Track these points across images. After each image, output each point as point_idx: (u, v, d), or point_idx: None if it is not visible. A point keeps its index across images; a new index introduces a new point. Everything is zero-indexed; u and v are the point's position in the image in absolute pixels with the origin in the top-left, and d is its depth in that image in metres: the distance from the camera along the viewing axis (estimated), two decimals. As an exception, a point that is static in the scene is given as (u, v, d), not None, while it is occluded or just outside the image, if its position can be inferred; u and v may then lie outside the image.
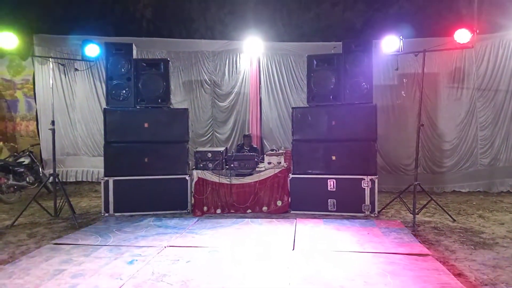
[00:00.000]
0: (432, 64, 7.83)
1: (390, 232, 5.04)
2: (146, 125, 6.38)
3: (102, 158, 6.49)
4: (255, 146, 7.98)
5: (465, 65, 7.97)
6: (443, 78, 8.05)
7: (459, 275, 3.63)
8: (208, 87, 8.74)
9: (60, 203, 6.14)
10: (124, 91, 6.37)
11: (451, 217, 5.75)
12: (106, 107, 6.47)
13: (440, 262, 3.94)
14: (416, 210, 5.65)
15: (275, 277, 3.63)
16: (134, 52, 6.56)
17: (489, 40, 7.84)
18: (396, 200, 6.27)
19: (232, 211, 6.30)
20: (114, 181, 6.24)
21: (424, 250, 4.31)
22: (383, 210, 6.27)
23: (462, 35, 5.53)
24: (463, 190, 7.97)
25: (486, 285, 3.41)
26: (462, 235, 4.97)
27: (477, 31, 5.62)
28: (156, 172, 6.31)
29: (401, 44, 5.84)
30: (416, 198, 5.67)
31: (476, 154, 8.03)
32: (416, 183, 5.76)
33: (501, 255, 4.18)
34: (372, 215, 6.00)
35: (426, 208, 6.09)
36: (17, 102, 9.59)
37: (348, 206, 6.08)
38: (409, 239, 4.72)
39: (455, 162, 8.08)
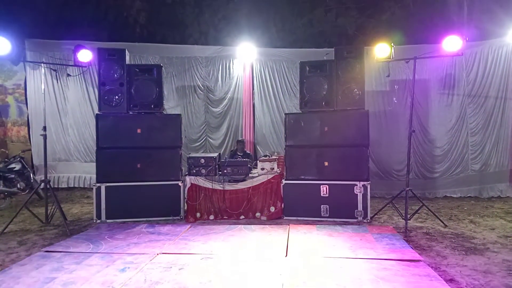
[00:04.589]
0: (423, 70, 7.91)
1: (383, 238, 5.07)
2: (138, 130, 6.36)
3: (94, 164, 6.45)
4: (248, 152, 7.99)
5: (456, 72, 8.06)
6: (434, 85, 8.13)
7: (450, 280, 3.66)
8: (201, 92, 8.73)
9: (52, 210, 6.09)
10: (116, 97, 6.36)
11: (443, 223, 5.80)
12: (98, 112, 6.44)
13: (432, 267, 3.98)
14: (408, 216, 5.70)
15: (268, 283, 3.63)
16: (127, 57, 6.55)
17: (478, 47, 7.95)
18: (388, 205, 6.33)
19: (225, 217, 6.29)
20: (106, 187, 6.20)
21: (416, 256, 4.34)
22: (376, 216, 6.31)
23: (452, 43, 5.61)
24: (455, 196, 8.04)
25: (477, 290, 3.44)
26: (453, 240, 5.02)
27: (467, 39, 5.70)
28: (149, 178, 6.29)
29: (393, 51, 5.91)
30: (408, 203, 5.72)
31: (467, 159, 8.11)
32: (408, 188, 5.79)
33: (492, 261, 4.22)
34: (365, 220, 6.02)
35: (418, 213, 6.14)
36: (8, 107, 9.52)
37: (341, 211, 6.10)
38: (401, 245, 4.75)
39: (446, 168, 8.15)
